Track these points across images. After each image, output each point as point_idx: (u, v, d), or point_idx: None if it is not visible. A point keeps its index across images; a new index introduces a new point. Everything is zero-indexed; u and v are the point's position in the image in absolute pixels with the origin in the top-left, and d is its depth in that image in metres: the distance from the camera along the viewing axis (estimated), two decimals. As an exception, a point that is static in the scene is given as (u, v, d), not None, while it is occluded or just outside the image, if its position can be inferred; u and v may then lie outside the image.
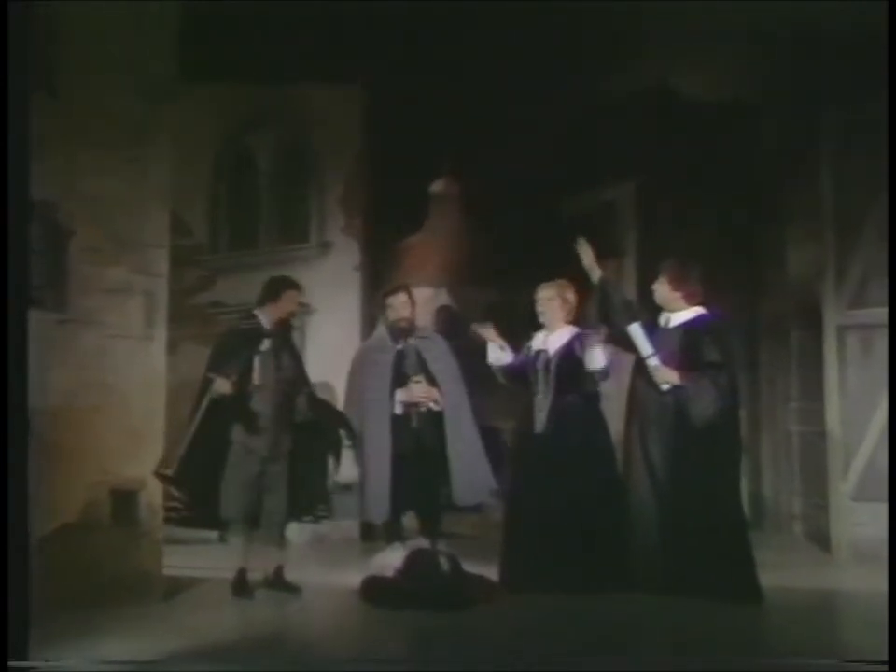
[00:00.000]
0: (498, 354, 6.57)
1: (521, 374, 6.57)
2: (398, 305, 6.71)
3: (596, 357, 6.30)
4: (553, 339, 6.54)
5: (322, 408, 6.39)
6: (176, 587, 6.25)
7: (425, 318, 12.04)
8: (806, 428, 9.07)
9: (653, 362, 6.22)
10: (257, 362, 6.21)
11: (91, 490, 6.28)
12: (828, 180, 8.36)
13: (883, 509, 7.81)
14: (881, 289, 8.11)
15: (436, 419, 6.60)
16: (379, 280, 9.82)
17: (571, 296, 6.66)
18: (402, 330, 6.67)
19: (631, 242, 10.14)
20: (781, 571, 6.88)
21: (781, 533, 9.27)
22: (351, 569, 6.55)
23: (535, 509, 6.18)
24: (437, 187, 10.54)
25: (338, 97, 9.24)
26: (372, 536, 8.50)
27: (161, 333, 6.92)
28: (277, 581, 6.22)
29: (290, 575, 6.30)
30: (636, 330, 6.28)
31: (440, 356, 6.69)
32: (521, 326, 11.30)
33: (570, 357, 6.40)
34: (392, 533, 6.57)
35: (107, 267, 6.68)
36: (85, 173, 6.52)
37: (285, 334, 6.51)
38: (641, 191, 10.01)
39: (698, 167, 9.37)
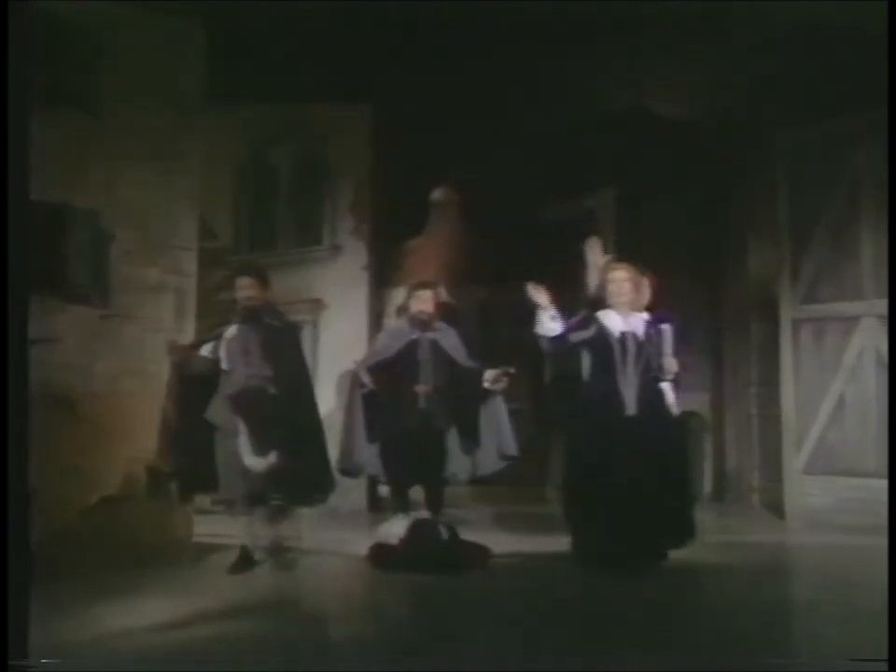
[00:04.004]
0: (550, 324, 5.83)
1: (571, 347, 5.99)
2: (422, 299, 6.63)
3: (669, 347, 5.81)
4: (633, 322, 5.88)
5: (274, 406, 5.74)
6: (205, 553, 6.25)
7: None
8: (764, 411, 9.10)
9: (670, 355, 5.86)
10: (223, 346, 5.86)
11: (128, 466, 6.29)
12: (783, 191, 8.39)
13: (831, 481, 7.90)
14: (830, 287, 8.16)
15: (444, 400, 6.39)
16: (384, 278, 9.84)
17: (638, 280, 5.98)
18: (422, 322, 6.54)
19: (610, 245, 10.13)
20: (742, 535, 7.00)
21: (742, 503, 9.31)
22: (359, 538, 6.54)
23: (621, 489, 5.56)
24: (437, 195, 10.53)
25: (349, 115, 9.23)
26: (379, 507, 8.52)
27: (190, 326, 6.93)
28: (276, 556, 5.93)
29: (305, 543, 6.29)
30: (667, 330, 5.87)
31: (456, 344, 6.64)
32: (513, 319, 11.35)
33: (650, 343, 5.81)
34: (398, 504, 6.54)
35: (143, 268, 6.70)
36: (124, 184, 6.53)
37: (256, 324, 5.88)
38: (619, 199, 10.00)
39: (669, 179, 9.39)
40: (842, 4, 6.62)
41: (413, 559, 5.79)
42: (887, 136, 5.52)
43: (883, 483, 6.74)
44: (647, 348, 5.78)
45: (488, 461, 6.45)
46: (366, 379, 6.45)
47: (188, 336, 6.77)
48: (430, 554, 5.81)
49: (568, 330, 5.89)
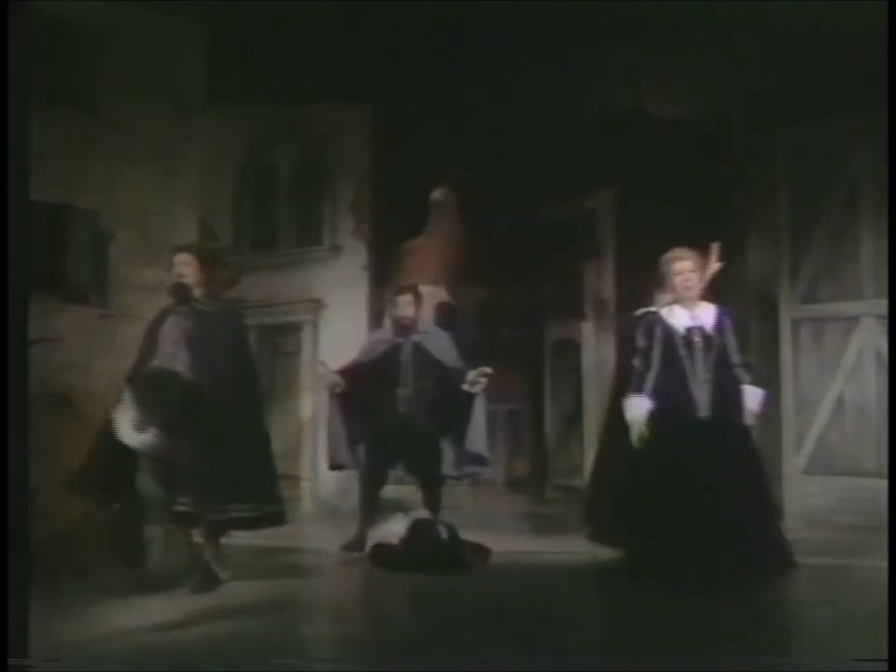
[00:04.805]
0: (640, 407, 5.26)
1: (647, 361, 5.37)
2: (403, 304, 6.66)
3: (733, 340, 5.40)
4: (702, 315, 5.38)
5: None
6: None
7: (426, 313, 12.11)
8: (764, 409, 9.08)
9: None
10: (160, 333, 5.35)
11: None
12: (783, 191, 8.38)
13: (831, 481, 7.89)
14: (830, 287, 8.15)
15: (427, 403, 6.38)
16: (384, 278, 9.84)
17: (703, 267, 5.55)
18: (404, 327, 6.56)
19: (610, 244, 10.14)
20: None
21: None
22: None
23: (695, 501, 5.00)
24: (436, 195, 10.54)
25: (349, 115, 9.22)
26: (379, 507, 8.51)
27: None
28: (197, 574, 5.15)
29: (308, 543, 6.28)
30: (728, 321, 5.49)
31: (444, 346, 6.63)
32: (513, 319, 11.34)
33: (721, 337, 5.33)
34: (366, 506, 6.46)
35: (143, 267, 6.70)
36: (124, 184, 6.54)
37: (186, 308, 5.33)
38: (619, 199, 10.01)
39: (669, 179, 9.39)
40: (842, 4, 6.61)
41: (413, 559, 5.79)
42: (887, 136, 5.51)
43: (883, 483, 6.73)
44: (716, 342, 5.29)
45: (466, 463, 6.45)
46: (331, 378, 6.42)
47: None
48: (430, 554, 5.81)
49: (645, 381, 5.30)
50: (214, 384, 5.14)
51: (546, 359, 10.96)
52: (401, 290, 6.85)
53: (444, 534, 6.00)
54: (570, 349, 10.59)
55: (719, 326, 5.34)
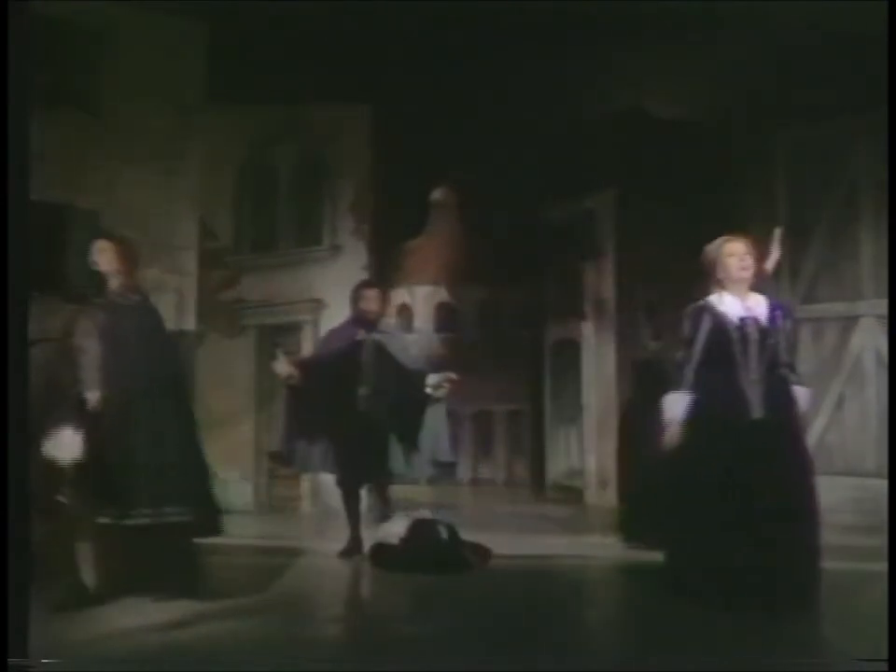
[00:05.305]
0: (679, 404, 4.76)
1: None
2: (369, 297, 6.49)
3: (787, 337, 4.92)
4: (754, 306, 4.83)
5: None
6: (205, 551, 6.22)
7: (426, 313, 12.12)
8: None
9: None
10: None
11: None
12: (783, 191, 8.39)
13: (830, 481, 7.85)
14: (830, 287, 8.16)
15: (385, 403, 6.21)
16: (384, 278, 9.85)
17: (764, 253, 5.05)
18: (367, 321, 6.37)
19: (610, 244, 10.14)
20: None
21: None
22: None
23: (742, 502, 4.56)
24: (436, 195, 10.55)
25: (349, 115, 9.24)
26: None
27: (190, 326, 6.93)
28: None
29: (308, 543, 6.26)
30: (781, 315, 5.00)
31: (405, 347, 6.51)
32: (513, 319, 11.33)
33: (774, 331, 4.79)
34: (349, 508, 6.39)
35: (143, 267, 6.69)
36: (124, 184, 6.55)
37: (101, 300, 5.01)
38: (619, 199, 10.01)
39: (669, 179, 9.40)
40: (842, 4, 6.61)
41: (413, 559, 5.78)
42: (887, 136, 5.51)
43: (883, 483, 6.73)
44: (771, 337, 4.76)
45: (423, 466, 6.37)
46: (285, 369, 6.22)
47: (188, 336, 6.77)
48: (430, 554, 5.81)
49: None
50: (130, 380, 4.79)
51: (546, 359, 10.96)
52: (369, 284, 6.73)
53: (444, 534, 6.00)
54: (570, 349, 10.59)
55: (772, 320, 4.80)
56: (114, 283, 4.99)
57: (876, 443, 7.63)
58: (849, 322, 8.00)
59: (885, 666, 3.21)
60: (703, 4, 7.19)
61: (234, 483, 8.73)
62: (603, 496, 9.97)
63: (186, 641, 4.10)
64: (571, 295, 10.49)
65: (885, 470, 6.41)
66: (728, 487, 4.55)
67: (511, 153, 9.53)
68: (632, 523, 5.82)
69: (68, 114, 6.22)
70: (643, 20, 7.30)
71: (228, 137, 9.16)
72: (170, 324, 6.77)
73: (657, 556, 5.01)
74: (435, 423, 6.29)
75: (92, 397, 4.73)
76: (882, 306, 7.56)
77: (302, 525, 6.36)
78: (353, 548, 6.22)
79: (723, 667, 3.57)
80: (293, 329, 9.44)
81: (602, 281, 10.24)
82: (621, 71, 8.41)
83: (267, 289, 9.35)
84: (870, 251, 7.86)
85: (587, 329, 10.36)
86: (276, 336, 9.37)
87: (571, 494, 10.38)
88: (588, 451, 10.33)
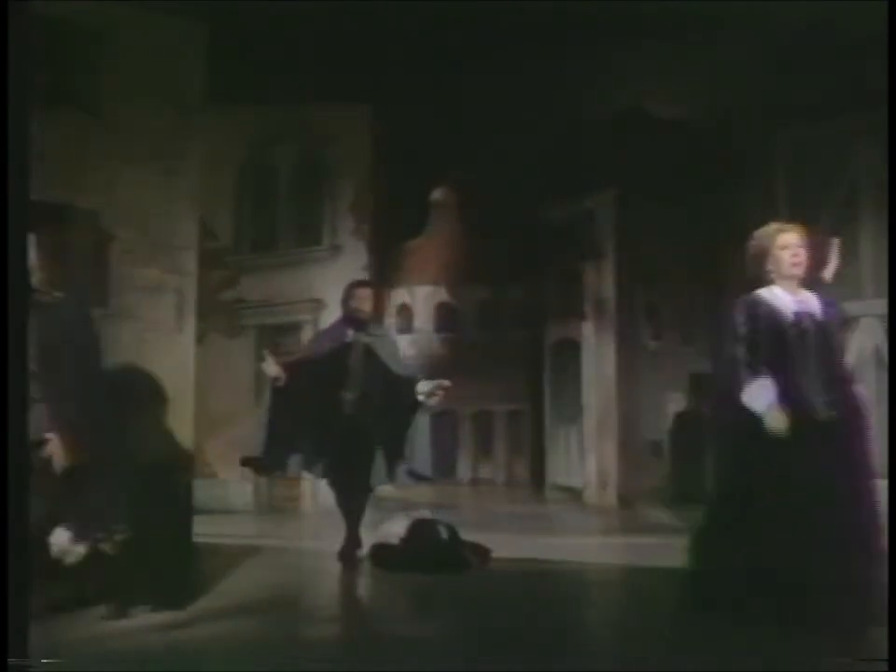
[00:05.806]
0: (762, 393, 4.24)
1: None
2: (361, 297, 6.35)
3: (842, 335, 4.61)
4: (807, 300, 4.41)
5: None
6: (204, 552, 6.22)
7: (426, 313, 12.14)
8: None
9: None
10: None
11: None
12: (783, 191, 8.40)
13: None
14: (830, 287, 8.14)
15: (372, 408, 5.98)
16: (384, 278, 9.86)
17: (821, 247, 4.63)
18: (359, 321, 6.12)
19: (610, 244, 10.15)
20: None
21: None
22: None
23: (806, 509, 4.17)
24: (436, 196, 10.56)
25: (349, 115, 9.25)
26: (379, 507, 8.50)
27: (189, 326, 6.96)
28: None
29: (309, 543, 6.25)
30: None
31: (393, 353, 6.40)
32: (513, 319, 11.34)
33: (832, 325, 4.44)
34: (346, 511, 6.29)
35: (143, 268, 6.72)
36: (124, 184, 6.55)
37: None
38: (619, 199, 10.02)
39: (669, 179, 9.41)
40: (842, 4, 6.62)
41: (413, 559, 5.78)
42: (887, 136, 5.50)
43: (883, 484, 6.73)
44: (829, 332, 4.41)
45: (403, 475, 6.26)
46: (273, 370, 5.91)
47: (188, 336, 6.79)
48: (430, 554, 5.80)
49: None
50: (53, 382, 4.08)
51: (546, 359, 10.97)
52: (362, 284, 6.61)
53: (444, 534, 5.99)
54: (570, 349, 10.60)
55: (827, 315, 4.41)
56: (35, 279, 4.15)
57: (876, 443, 7.62)
58: (850, 322, 8.00)
59: (885, 666, 3.20)
60: (703, 4, 7.19)
61: (234, 483, 8.75)
62: (603, 495, 9.99)
63: (186, 641, 4.09)
64: (571, 295, 10.50)
65: (885, 470, 6.40)
66: (795, 494, 4.17)
67: (511, 153, 9.54)
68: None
69: (68, 114, 6.22)
70: (643, 20, 7.30)
71: (228, 137, 9.17)
72: (169, 324, 6.83)
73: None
74: (416, 434, 6.11)
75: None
76: (882, 306, 7.56)
77: (302, 525, 6.35)
78: (351, 548, 6.20)
79: (723, 667, 3.57)
80: (293, 329, 9.44)
81: (602, 281, 10.25)
82: (621, 71, 8.41)
83: (267, 289, 9.37)
84: (870, 251, 7.86)
85: (587, 329, 10.37)
86: (276, 336, 9.39)
87: (571, 494, 10.39)
88: (588, 451, 10.34)
